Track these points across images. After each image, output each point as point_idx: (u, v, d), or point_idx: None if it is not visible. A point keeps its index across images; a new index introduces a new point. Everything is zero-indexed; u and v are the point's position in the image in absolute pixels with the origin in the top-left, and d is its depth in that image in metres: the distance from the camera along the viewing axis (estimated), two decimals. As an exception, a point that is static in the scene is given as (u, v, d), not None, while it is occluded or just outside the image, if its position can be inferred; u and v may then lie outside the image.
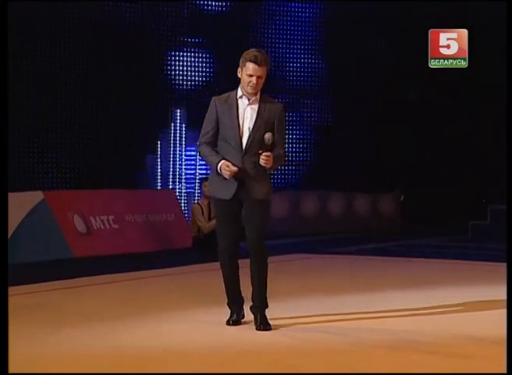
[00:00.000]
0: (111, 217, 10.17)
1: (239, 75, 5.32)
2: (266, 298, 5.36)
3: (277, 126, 5.32)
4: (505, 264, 9.25)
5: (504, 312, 5.24)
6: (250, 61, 5.25)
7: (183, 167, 12.44)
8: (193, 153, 12.45)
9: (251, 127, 5.27)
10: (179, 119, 12.46)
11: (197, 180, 12.34)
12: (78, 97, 11.78)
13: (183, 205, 12.11)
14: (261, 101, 5.32)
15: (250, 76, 5.25)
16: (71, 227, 9.68)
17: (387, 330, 5.35)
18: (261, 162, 5.18)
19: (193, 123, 12.58)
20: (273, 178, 12.97)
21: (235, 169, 5.19)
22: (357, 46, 13.75)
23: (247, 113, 5.31)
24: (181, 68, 12.64)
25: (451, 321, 5.75)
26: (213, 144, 5.37)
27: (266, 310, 5.34)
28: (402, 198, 13.88)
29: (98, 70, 12.02)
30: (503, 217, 12.28)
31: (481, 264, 9.32)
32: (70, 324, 5.49)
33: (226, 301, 5.49)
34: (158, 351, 4.77)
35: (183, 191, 12.40)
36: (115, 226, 10.18)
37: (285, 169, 13.35)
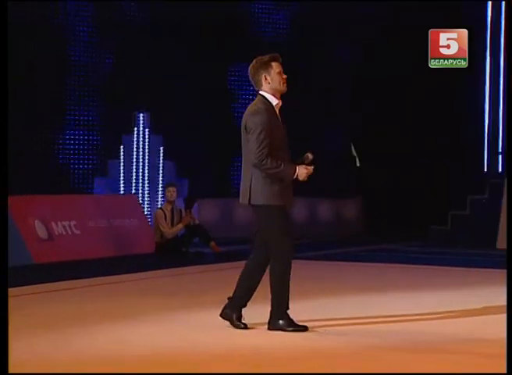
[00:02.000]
0: (72, 223, 10.07)
1: (264, 82, 5.36)
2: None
3: None
4: (468, 269, 9.42)
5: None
6: (276, 60, 5.41)
7: (146, 172, 12.38)
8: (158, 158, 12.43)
9: (286, 132, 5.44)
10: (143, 124, 12.40)
11: (161, 185, 12.29)
12: (39, 100, 11.65)
13: (145, 210, 12.04)
14: None
15: (281, 73, 5.39)
16: (32, 233, 9.56)
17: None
18: (306, 176, 5.34)
19: (157, 128, 12.54)
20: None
21: (311, 168, 5.37)
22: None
23: (280, 118, 5.44)
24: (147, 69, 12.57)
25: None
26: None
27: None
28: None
29: (61, 74, 11.92)
30: (462, 223, 12.46)
31: (442, 269, 9.42)
32: (31, 330, 5.42)
33: (284, 308, 5.34)
34: (122, 355, 4.74)
35: (146, 196, 12.34)
36: (77, 232, 10.08)
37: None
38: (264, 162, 5.28)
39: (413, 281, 8.26)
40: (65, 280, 7.91)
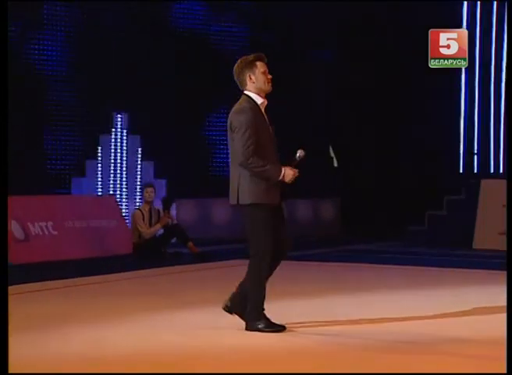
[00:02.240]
0: (50, 223, 10.01)
1: (248, 81, 5.37)
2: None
3: None
4: (446, 269, 9.48)
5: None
6: (261, 60, 5.41)
7: (124, 173, 12.34)
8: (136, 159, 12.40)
9: (272, 131, 5.43)
10: (121, 124, 12.36)
11: (138, 186, 12.26)
12: (16, 100, 11.57)
13: (123, 210, 12.01)
14: None
15: (266, 72, 5.40)
16: (8, 234, 9.49)
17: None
18: (292, 176, 5.34)
19: (135, 128, 12.52)
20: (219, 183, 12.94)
21: (297, 171, 5.37)
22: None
23: (266, 118, 5.44)
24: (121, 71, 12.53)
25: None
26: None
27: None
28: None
29: (39, 74, 11.85)
30: (439, 223, 12.55)
31: (421, 269, 9.46)
32: (11, 332, 5.39)
33: (261, 308, 5.35)
34: (102, 355, 4.73)
35: (124, 196, 12.30)
36: (54, 233, 10.03)
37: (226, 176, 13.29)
38: (250, 160, 5.29)
39: (394, 281, 8.29)
40: (42, 281, 7.86)
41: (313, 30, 13.69)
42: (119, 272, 8.70)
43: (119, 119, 12.33)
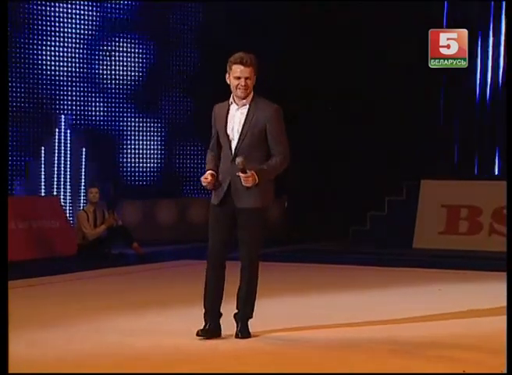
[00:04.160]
0: (-9, 225, 9.88)
1: (228, 81, 5.24)
2: (252, 309, 5.36)
3: (269, 130, 5.23)
4: (385, 268, 9.66)
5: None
6: (236, 63, 5.18)
7: (68, 173, 12.24)
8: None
9: (239, 131, 5.23)
10: (64, 125, 12.27)
11: (83, 187, 12.18)
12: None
13: (68, 211, 11.92)
14: (252, 104, 5.23)
15: (238, 78, 5.15)
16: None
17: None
18: (243, 182, 5.15)
19: (78, 129, 12.44)
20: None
21: (208, 178, 5.22)
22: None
23: (236, 118, 5.25)
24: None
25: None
26: (216, 150, 5.34)
27: (249, 320, 5.33)
28: (286, 205, 14.16)
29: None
30: (381, 223, 12.77)
31: (362, 268, 9.62)
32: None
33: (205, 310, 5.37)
34: (40, 358, 4.73)
35: (68, 197, 12.21)
36: (-4, 234, 9.89)
37: (171, 177, 13.28)
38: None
39: (342, 281, 8.40)
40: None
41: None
42: (63, 273, 8.66)
43: (63, 119, 12.23)
